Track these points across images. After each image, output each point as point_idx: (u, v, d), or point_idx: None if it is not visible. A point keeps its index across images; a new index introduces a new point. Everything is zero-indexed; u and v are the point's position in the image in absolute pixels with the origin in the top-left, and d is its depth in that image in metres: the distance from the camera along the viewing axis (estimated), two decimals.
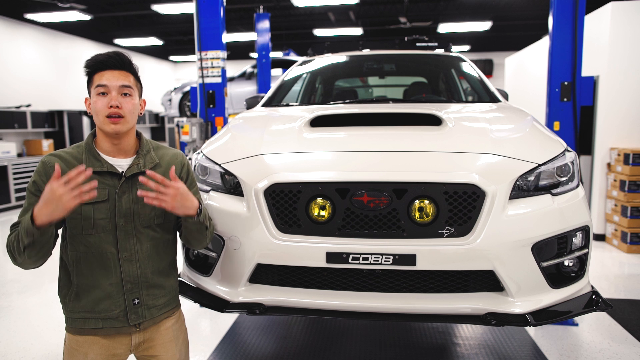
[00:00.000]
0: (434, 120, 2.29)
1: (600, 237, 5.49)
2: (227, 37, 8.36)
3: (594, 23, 5.39)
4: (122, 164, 1.59)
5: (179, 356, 1.73)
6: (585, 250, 2.03)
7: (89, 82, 1.56)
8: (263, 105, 3.20)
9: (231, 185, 2.11)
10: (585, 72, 5.11)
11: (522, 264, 1.86)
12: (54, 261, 1.58)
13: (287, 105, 3.21)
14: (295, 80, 3.67)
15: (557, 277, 1.98)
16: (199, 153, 2.36)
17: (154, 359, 1.68)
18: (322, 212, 1.90)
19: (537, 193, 1.96)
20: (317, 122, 2.35)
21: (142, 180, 1.49)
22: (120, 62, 1.57)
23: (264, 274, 2.02)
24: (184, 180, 1.74)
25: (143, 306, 1.61)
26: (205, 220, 1.66)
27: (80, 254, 1.54)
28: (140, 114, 1.65)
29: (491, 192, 1.83)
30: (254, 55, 14.24)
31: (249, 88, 8.81)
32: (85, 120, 10.88)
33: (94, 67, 1.55)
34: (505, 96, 3.26)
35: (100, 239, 1.54)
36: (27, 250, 1.39)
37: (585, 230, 2.02)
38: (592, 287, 2.09)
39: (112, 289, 1.56)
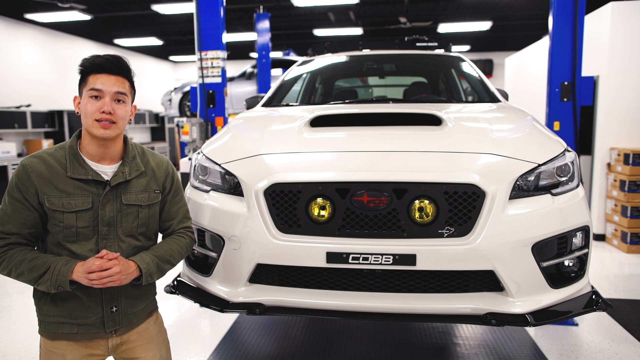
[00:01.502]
0: (434, 120, 2.29)
1: (600, 237, 5.49)
2: (227, 37, 8.36)
3: (594, 23, 5.39)
4: (107, 170, 1.55)
5: (159, 356, 1.71)
6: (585, 250, 2.03)
7: (82, 82, 1.52)
8: (263, 105, 3.20)
9: (231, 185, 2.10)
10: (585, 72, 5.11)
11: (522, 264, 1.86)
12: None
13: (287, 105, 3.21)
14: (295, 80, 3.67)
15: (557, 277, 1.98)
16: (199, 153, 2.36)
17: None
18: (322, 212, 1.90)
19: (537, 193, 1.96)
20: (317, 122, 2.35)
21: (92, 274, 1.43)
22: (118, 68, 1.52)
23: (264, 274, 2.02)
24: (167, 190, 1.71)
25: (120, 314, 1.59)
26: (153, 276, 1.57)
27: None
28: (130, 120, 1.61)
29: (491, 192, 1.83)
30: (254, 55, 14.24)
31: (249, 88, 8.81)
32: None
33: (91, 69, 1.50)
34: (505, 96, 3.26)
35: (82, 246, 1.51)
36: (33, 285, 1.49)
37: (585, 230, 2.01)
38: (592, 287, 2.09)
39: (91, 298, 1.54)
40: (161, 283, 2.39)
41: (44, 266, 1.44)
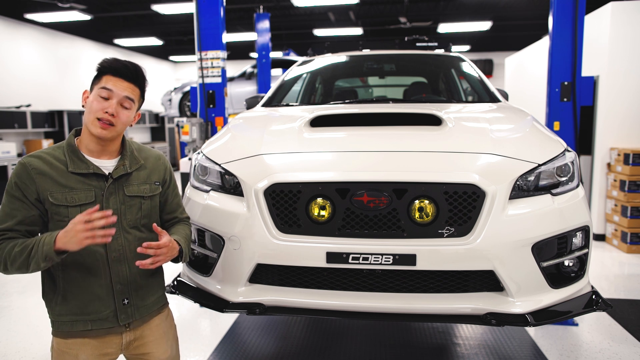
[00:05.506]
0: (434, 120, 2.29)
1: (600, 237, 5.49)
2: (227, 37, 8.36)
3: (594, 23, 5.39)
4: (107, 165, 1.58)
5: (170, 352, 1.74)
6: (585, 250, 2.03)
7: (96, 79, 1.55)
8: (263, 105, 3.20)
9: (231, 185, 2.11)
10: (585, 72, 5.10)
11: (522, 264, 1.86)
12: None
13: (287, 105, 3.21)
14: (295, 80, 3.67)
15: (557, 277, 1.99)
16: (199, 153, 2.36)
17: (146, 356, 1.68)
18: (322, 212, 1.90)
19: (537, 193, 1.96)
20: (317, 122, 2.35)
21: (141, 251, 1.48)
22: (134, 75, 1.56)
23: (264, 274, 2.02)
24: (167, 184, 1.74)
25: (132, 306, 1.61)
26: (186, 256, 1.70)
27: (68, 257, 1.51)
28: (131, 125, 1.65)
29: (491, 192, 1.83)
30: (254, 55, 14.23)
31: (249, 88, 8.81)
32: None
33: (107, 70, 1.53)
34: (505, 96, 3.26)
35: None
36: (28, 270, 1.43)
37: (585, 230, 2.02)
38: (592, 287, 2.09)
39: (102, 291, 1.55)
40: None
41: (30, 244, 1.41)
